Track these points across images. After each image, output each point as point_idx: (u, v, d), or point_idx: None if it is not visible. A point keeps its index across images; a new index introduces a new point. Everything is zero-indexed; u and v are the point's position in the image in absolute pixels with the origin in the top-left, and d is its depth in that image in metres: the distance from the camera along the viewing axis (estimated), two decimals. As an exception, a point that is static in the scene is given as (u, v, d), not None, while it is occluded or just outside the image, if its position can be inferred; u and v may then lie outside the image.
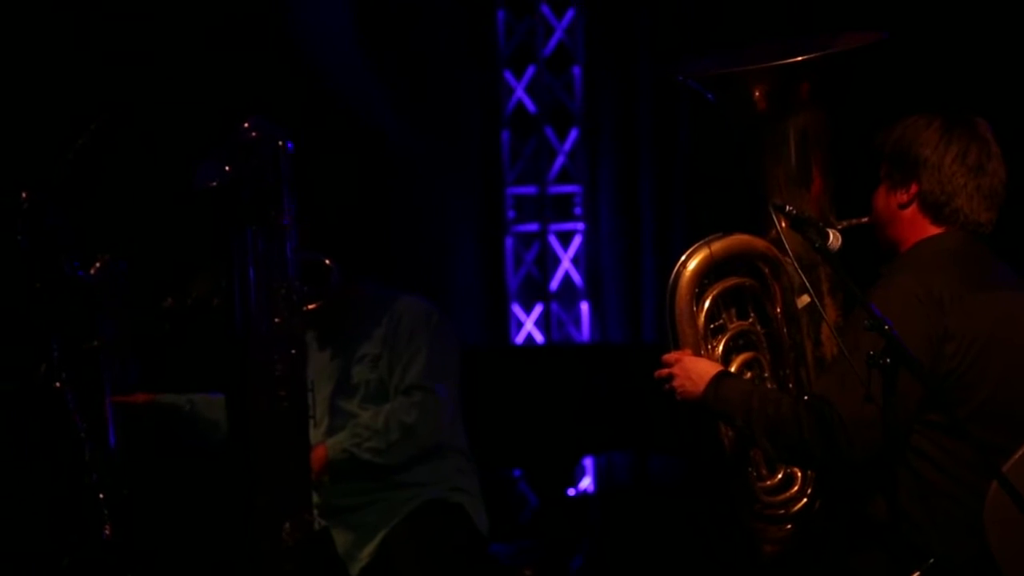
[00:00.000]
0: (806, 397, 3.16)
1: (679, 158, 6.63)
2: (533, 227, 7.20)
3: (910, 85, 5.08)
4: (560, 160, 7.14)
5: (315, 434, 4.31)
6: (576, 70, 7.10)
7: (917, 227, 3.22)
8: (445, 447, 4.45)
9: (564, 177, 7.15)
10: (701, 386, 3.22)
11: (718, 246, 3.29)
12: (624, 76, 6.86)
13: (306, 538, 3.88)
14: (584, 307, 7.08)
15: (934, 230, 3.21)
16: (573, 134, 7.11)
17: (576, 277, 7.10)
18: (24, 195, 3.77)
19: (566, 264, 7.12)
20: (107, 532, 3.73)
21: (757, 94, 3.33)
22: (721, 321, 3.33)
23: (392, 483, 4.40)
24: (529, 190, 7.20)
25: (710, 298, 3.30)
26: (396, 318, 4.44)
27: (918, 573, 3.08)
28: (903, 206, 3.23)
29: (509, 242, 7.21)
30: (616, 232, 6.93)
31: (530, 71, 7.16)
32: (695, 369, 3.25)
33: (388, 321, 4.43)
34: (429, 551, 4.33)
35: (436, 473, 4.43)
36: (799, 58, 3.28)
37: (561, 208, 7.17)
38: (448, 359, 4.46)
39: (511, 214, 7.22)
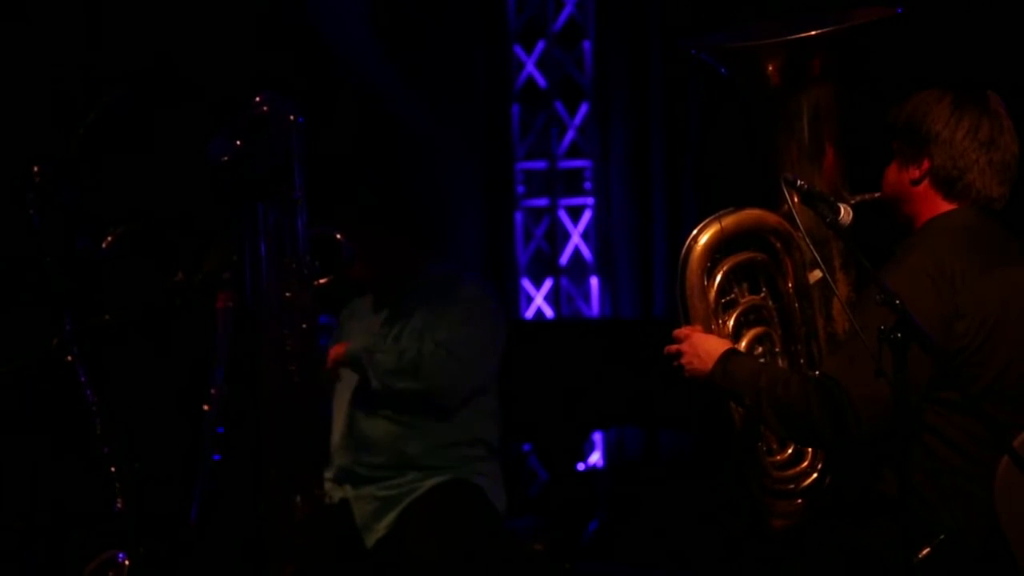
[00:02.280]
0: (816, 374, 3.16)
1: (690, 132, 6.61)
2: (543, 202, 7.19)
3: (924, 60, 5.06)
4: (570, 135, 7.12)
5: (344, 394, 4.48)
6: (586, 44, 7.08)
7: (929, 203, 3.22)
8: (476, 438, 4.48)
9: (574, 152, 7.14)
10: (709, 364, 3.22)
11: (729, 220, 3.29)
12: (635, 50, 6.84)
13: (317, 512, 3.89)
14: (594, 282, 7.07)
15: (946, 206, 3.21)
16: (583, 108, 7.09)
17: (586, 252, 7.09)
18: (36, 169, 3.77)
19: (576, 239, 7.11)
20: (118, 505, 3.73)
21: (770, 68, 3.32)
22: (732, 296, 3.33)
23: (415, 464, 4.43)
24: (539, 165, 7.18)
25: (721, 272, 3.30)
26: (455, 295, 4.52)
27: (928, 549, 3.08)
28: (915, 182, 3.22)
29: (519, 217, 7.19)
30: (627, 207, 6.91)
31: (540, 45, 7.14)
32: (703, 346, 3.25)
33: (446, 296, 4.50)
34: (444, 526, 4.34)
35: (459, 459, 4.46)
36: (813, 32, 3.27)
37: (571, 183, 7.15)
38: (486, 343, 4.49)
39: (521, 189, 7.20)
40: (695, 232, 3.29)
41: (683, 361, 3.27)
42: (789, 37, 3.28)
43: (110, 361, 4.01)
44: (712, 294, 3.30)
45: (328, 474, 4.51)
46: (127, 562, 3.71)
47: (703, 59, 3.45)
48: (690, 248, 3.28)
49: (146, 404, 5.17)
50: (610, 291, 7.02)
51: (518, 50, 7.18)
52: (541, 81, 7.14)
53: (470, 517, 4.40)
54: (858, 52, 3.33)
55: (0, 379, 4.08)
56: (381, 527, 4.41)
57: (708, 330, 3.28)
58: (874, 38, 3.33)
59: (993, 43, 5.28)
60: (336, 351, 4.50)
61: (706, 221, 3.29)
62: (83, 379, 3.78)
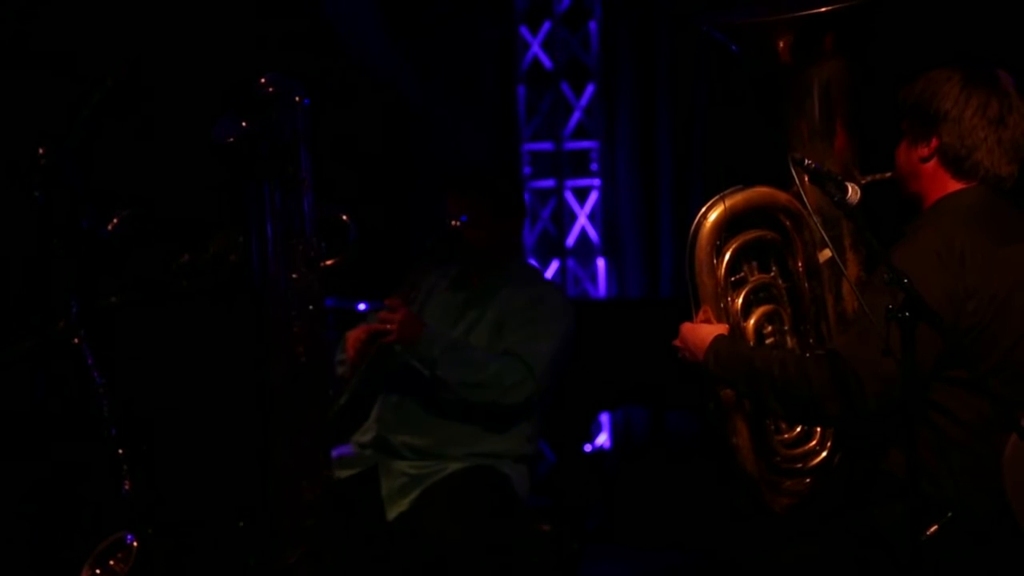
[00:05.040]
0: (820, 352, 3.16)
1: (697, 113, 6.60)
2: (549, 183, 7.18)
3: (936, 38, 5.05)
4: (576, 116, 7.11)
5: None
6: (592, 25, 7.07)
7: (939, 182, 3.21)
8: (516, 445, 4.50)
9: (580, 133, 7.13)
10: (700, 354, 3.23)
11: (739, 198, 3.28)
12: (641, 31, 6.82)
13: (326, 493, 3.89)
14: (600, 263, 7.07)
15: (956, 185, 3.20)
16: (589, 89, 7.08)
17: (592, 233, 7.08)
18: (41, 151, 3.77)
19: (582, 220, 7.10)
20: (126, 487, 3.74)
21: (781, 45, 3.31)
22: (742, 274, 3.32)
23: (453, 455, 4.45)
24: (545, 146, 7.18)
25: (731, 250, 3.30)
26: (539, 294, 4.55)
27: (936, 526, 3.08)
28: (924, 160, 3.22)
29: (525, 198, 7.19)
30: (633, 188, 6.91)
31: (546, 26, 7.13)
32: (692, 337, 3.26)
33: (530, 292, 4.53)
34: (463, 506, 4.36)
35: (495, 458, 4.48)
36: (824, 8, 3.26)
37: (577, 164, 7.14)
38: (563, 361, 4.51)
39: (527, 170, 7.20)
40: (704, 209, 3.28)
41: (680, 355, 3.29)
42: (801, 13, 3.27)
43: (117, 343, 4.01)
44: (721, 272, 3.29)
45: (361, 437, 4.56)
46: (135, 544, 3.71)
47: (714, 36, 3.43)
48: (699, 225, 3.27)
49: (153, 386, 5.17)
50: (617, 272, 7.02)
51: (524, 31, 7.17)
52: (547, 62, 7.13)
53: (491, 501, 4.42)
54: (870, 29, 3.32)
55: (7, 362, 4.08)
56: (405, 502, 4.44)
57: (717, 307, 3.28)
58: (886, 15, 3.32)
59: (1005, 22, 5.26)
60: (407, 330, 4.39)
61: (715, 199, 3.29)
62: (90, 361, 3.78)
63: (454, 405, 4.47)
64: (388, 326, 4.38)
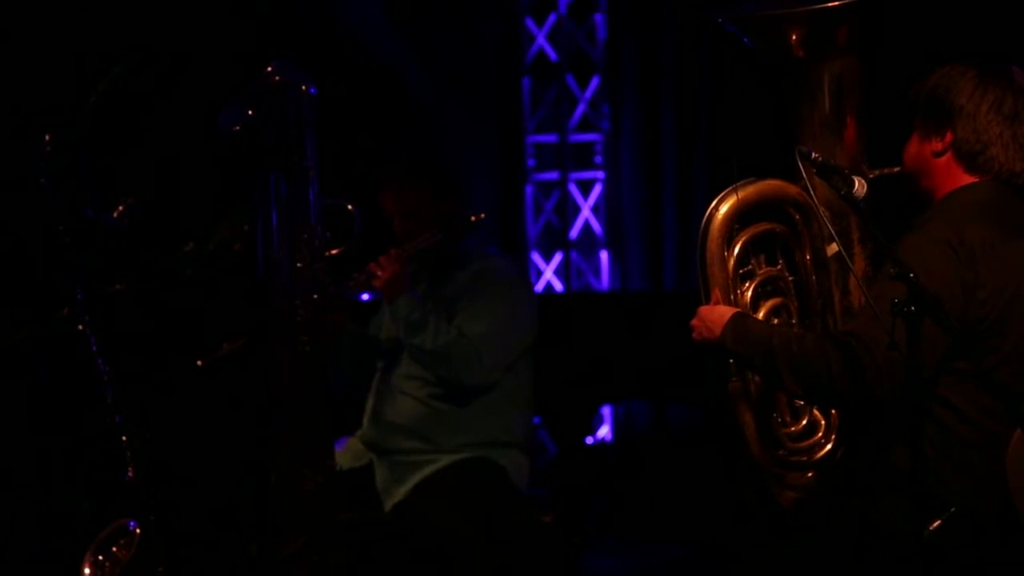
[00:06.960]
0: (839, 332, 3.15)
1: (701, 106, 6.60)
2: (553, 175, 7.18)
3: (948, 34, 5.04)
4: (581, 108, 7.11)
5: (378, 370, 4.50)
6: (598, 17, 7.07)
7: (951, 176, 3.21)
8: (504, 433, 4.49)
9: (585, 125, 7.13)
10: (717, 330, 3.22)
11: (751, 190, 3.28)
12: (646, 23, 6.82)
13: (328, 482, 3.90)
14: (604, 256, 7.07)
15: (968, 179, 3.20)
16: (594, 82, 7.08)
17: (596, 226, 7.08)
18: (47, 138, 3.77)
19: (586, 213, 7.11)
20: (130, 474, 3.74)
21: (795, 38, 3.31)
22: (750, 266, 3.32)
23: (440, 449, 4.45)
24: (549, 138, 7.18)
25: (740, 243, 3.29)
26: (482, 269, 4.53)
27: (939, 521, 3.08)
28: (937, 155, 3.22)
29: (529, 190, 7.19)
30: (637, 181, 6.91)
31: (551, 18, 7.13)
32: (710, 316, 3.25)
33: (474, 267, 4.52)
34: (460, 494, 4.37)
35: (485, 449, 4.47)
36: (837, 2, 3.26)
37: (581, 156, 7.15)
38: (516, 338, 4.49)
39: (531, 162, 7.20)
40: (715, 202, 3.27)
41: (694, 335, 3.28)
42: (817, 6, 3.27)
43: (121, 330, 4.01)
44: (731, 263, 3.29)
45: (359, 436, 4.57)
46: (138, 531, 3.72)
47: (727, 29, 3.43)
48: (710, 217, 3.26)
49: (157, 374, 5.17)
50: (620, 265, 7.02)
51: (529, 23, 7.17)
52: (552, 54, 7.13)
53: (488, 490, 4.43)
54: (882, 24, 3.32)
55: (12, 349, 4.08)
56: (400, 493, 4.45)
57: (728, 299, 3.28)
58: (898, 10, 3.32)
59: (1015, 18, 5.26)
60: (391, 285, 4.40)
61: (727, 190, 3.28)
62: (94, 349, 3.78)
63: (435, 398, 4.47)
64: (379, 272, 4.38)
